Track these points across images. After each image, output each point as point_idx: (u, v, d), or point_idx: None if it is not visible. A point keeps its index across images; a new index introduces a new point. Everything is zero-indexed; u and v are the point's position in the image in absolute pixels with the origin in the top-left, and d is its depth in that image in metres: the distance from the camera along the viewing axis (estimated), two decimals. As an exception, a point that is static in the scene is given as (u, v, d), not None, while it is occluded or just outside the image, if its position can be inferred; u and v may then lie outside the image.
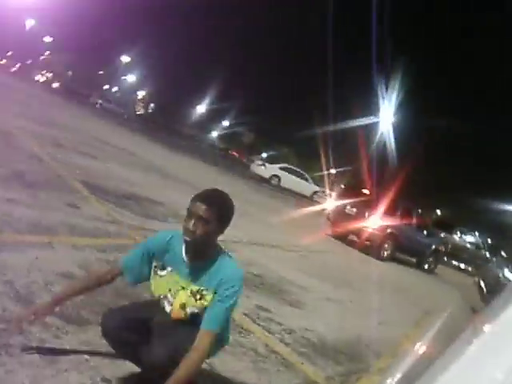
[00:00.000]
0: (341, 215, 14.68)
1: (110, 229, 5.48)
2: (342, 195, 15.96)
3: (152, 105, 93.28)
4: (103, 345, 2.68)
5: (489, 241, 28.22)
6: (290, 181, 31.60)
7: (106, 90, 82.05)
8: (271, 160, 37.86)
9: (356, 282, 8.95)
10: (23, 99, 21.40)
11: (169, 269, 2.57)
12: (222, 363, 3.35)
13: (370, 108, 45.25)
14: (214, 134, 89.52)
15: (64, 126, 15.13)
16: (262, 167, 32.10)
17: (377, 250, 13.54)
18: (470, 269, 23.99)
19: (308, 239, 11.53)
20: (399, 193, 15.08)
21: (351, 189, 16.85)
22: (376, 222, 13.60)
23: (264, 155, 55.40)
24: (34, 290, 3.27)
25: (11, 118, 11.70)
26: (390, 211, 13.79)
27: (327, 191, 32.20)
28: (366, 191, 15.27)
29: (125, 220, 6.11)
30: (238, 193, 16.29)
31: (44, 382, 2.35)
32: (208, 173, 21.30)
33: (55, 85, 75.54)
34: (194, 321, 2.50)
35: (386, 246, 13.81)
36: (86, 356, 2.72)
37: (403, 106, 41.11)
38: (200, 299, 2.49)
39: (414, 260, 16.07)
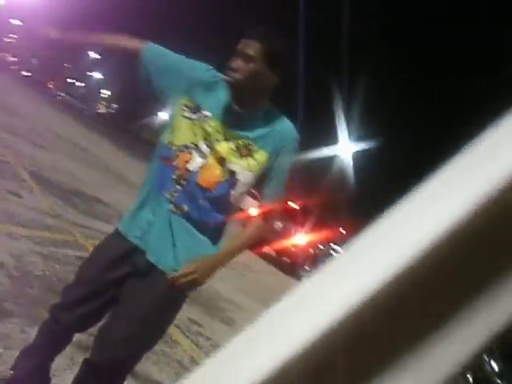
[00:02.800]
0: None
1: (51, 223, 5.36)
2: None
3: (115, 105, 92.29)
4: (22, 340, 2.62)
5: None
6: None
7: (71, 83, 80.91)
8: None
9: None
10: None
11: (206, 113, 2.01)
12: (143, 372, 3.31)
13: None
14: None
15: (20, 113, 14.78)
16: None
17: (296, 270, 12.80)
18: None
19: (247, 257, 11.59)
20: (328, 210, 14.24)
21: None
22: (301, 240, 12.84)
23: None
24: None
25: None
26: (315, 228, 13.16)
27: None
28: (293, 204, 13.96)
29: (67, 216, 5.98)
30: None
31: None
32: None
33: (21, 71, 74.16)
34: (216, 204, 2.01)
35: (306, 266, 13.28)
36: (0, 349, 2.64)
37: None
38: (247, 156, 1.99)
39: None
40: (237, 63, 1.92)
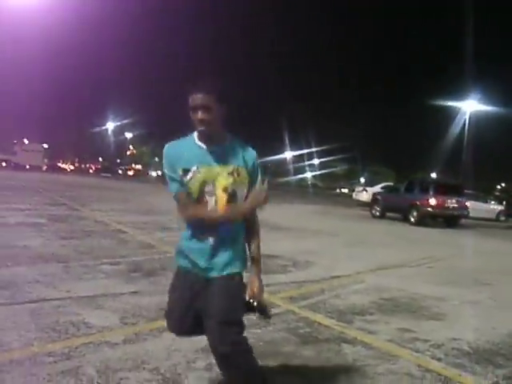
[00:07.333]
0: (444, 208, 19.10)
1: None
2: (439, 191, 19.29)
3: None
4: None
5: None
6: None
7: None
8: (371, 183, 37.34)
9: (486, 276, 8.43)
10: (125, 196, 22.60)
11: (194, 168, 2.61)
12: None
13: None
14: (308, 174, 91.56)
15: (163, 210, 15.74)
16: (364, 192, 31.78)
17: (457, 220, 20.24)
18: None
19: (424, 249, 11.21)
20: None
21: (444, 185, 20.75)
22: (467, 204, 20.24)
23: (362, 180, 54.86)
24: (179, 371, 3.36)
25: (119, 216, 12.62)
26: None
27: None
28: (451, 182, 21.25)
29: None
30: (344, 224, 16.15)
31: None
32: (313, 213, 21.34)
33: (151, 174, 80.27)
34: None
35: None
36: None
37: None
38: (238, 176, 2.65)
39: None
40: (200, 114, 2.49)
